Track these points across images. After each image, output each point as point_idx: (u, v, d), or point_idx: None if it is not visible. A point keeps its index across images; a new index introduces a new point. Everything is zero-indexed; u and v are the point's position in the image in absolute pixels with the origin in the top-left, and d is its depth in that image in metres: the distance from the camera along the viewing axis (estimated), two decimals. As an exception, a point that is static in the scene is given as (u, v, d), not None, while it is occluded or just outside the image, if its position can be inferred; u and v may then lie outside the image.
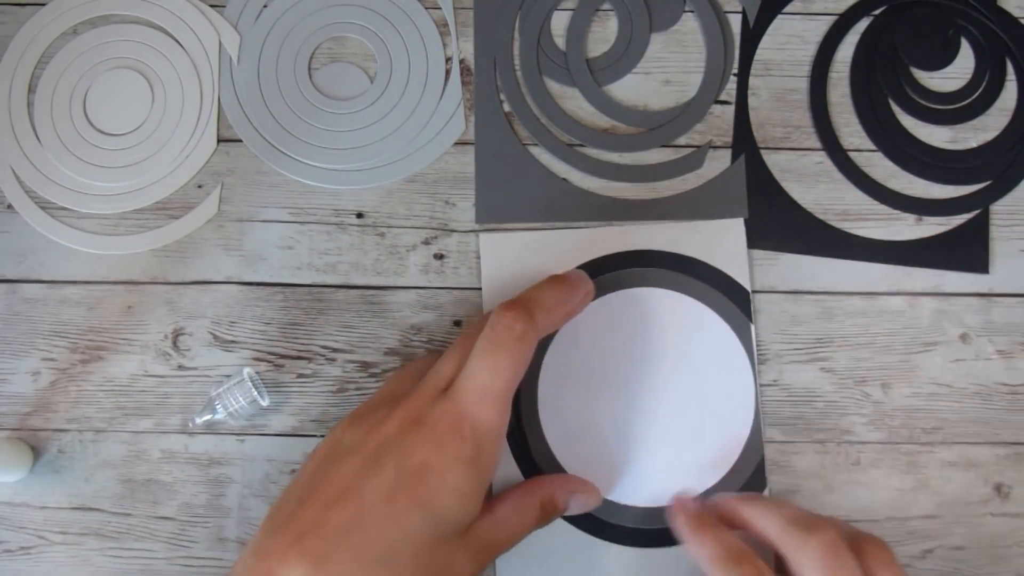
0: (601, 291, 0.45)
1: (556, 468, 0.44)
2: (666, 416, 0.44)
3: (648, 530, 0.43)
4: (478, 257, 0.47)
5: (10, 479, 0.44)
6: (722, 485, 0.44)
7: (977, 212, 0.48)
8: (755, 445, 0.44)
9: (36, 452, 0.45)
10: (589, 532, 0.43)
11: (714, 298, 0.45)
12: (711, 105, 0.49)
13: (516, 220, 0.47)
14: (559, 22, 0.50)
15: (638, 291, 0.46)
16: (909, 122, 0.49)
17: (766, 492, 0.44)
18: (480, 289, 0.46)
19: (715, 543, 0.38)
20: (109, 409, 0.45)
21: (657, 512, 0.43)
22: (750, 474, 0.44)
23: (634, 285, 0.46)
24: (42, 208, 0.47)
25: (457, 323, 0.46)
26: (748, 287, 0.45)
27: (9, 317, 0.46)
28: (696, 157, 0.48)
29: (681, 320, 0.45)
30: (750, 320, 0.45)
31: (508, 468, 0.44)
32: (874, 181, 0.48)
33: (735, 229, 0.46)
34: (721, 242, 0.46)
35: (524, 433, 0.44)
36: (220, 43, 0.49)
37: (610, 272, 0.46)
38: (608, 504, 0.44)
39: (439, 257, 0.47)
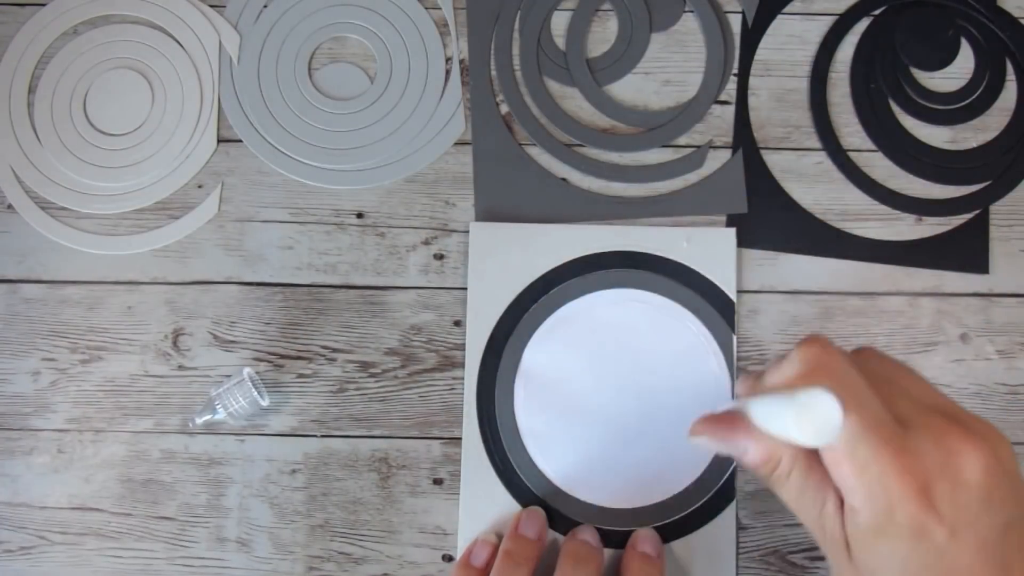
0: (587, 290, 0.45)
1: (529, 462, 0.44)
2: (639, 420, 0.44)
3: (611, 531, 0.43)
4: (478, 257, 0.47)
5: None
6: (688, 494, 0.44)
7: (977, 212, 0.48)
8: (728, 456, 0.44)
9: (35, 452, 0.45)
10: (555, 529, 0.44)
11: (699, 306, 0.45)
12: (711, 105, 0.49)
13: (516, 221, 0.47)
14: (559, 22, 0.49)
15: (624, 292, 0.45)
16: (909, 122, 0.49)
17: (732, 506, 0.44)
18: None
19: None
20: (109, 409, 0.45)
21: (623, 513, 0.43)
22: (719, 484, 0.44)
23: (620, 286, 0.45)
24: (42, 208, 0.47)
25: (457, 323, 0.46)
26: (734, 298, 0.45)
27: (9, 317, 0.46)
28: (696, 157, 0.48)
29: (664, 325, 0.45)
30: (733, 332, 0.45)
31: (485, 473, 0.44)
32: (874, 181, 0.48)
33: (726, 239, 0.46)
34: (712, 251, 0.46)
35: (498, 428, 0.44)
36: (220, 43, 0.49)
37: (598, 271, 0.46)
38: (576, 502, 0.44)
39: (439, 257, 0.47)
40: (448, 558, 0.44)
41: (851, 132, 0.48)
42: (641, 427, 0.44)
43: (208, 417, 0.43)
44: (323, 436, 0.45)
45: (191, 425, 0.44)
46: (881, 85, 0.49)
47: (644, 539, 0.42)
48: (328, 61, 0.49)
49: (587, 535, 0.42)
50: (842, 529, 0.30)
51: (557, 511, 0.44)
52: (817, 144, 0.48)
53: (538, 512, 0.43)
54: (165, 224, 0.47)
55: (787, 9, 0.50)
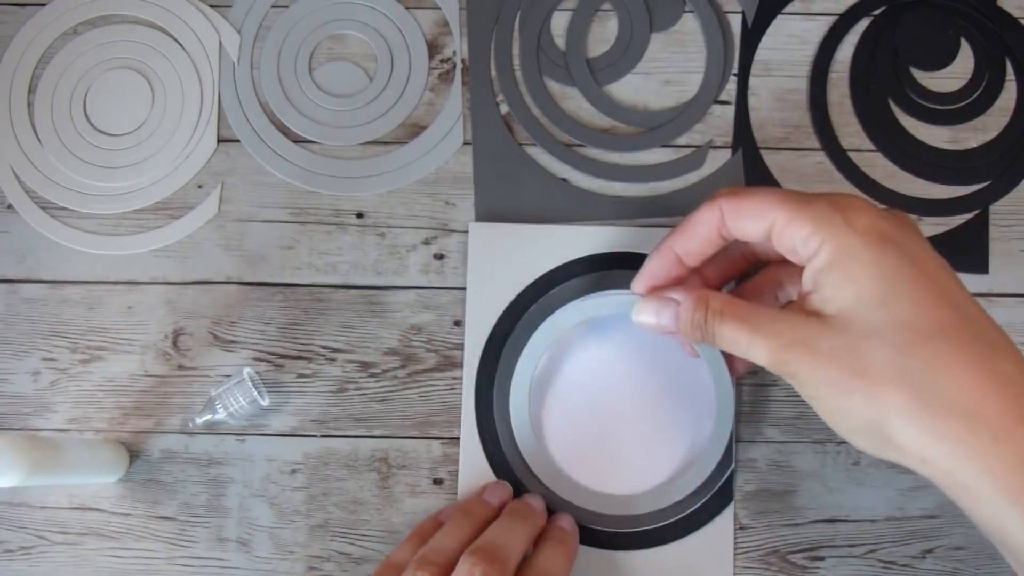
0: (587, 290, 0.45)
1: (527, 463, 0.44)
2: (638, 421, 0.44)
3: (615, 533, 0.43)
4: (478, 257, 0.47)
5: (109, 479, 0.44)
6: (689, 499, 0.43)
7: (977, 212, 0.48)
8: (727, 457, 0.44)
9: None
10: None
11: None
12: (711, 105, 0.49)
13: (516, 221, 0.47)
14: (559, 22, 0.50)
15: (623, 293, 0.45)
16: (909, 122, 0.49)
17: (730, 507, 0.44)
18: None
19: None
20: (109, 409, 0.45)
21: (623, 516, 0.43)
22: (719, 484, 0.44)
23: (620, 286, 0.45)
24: (42, 208, 0.47)
25: (457, 323, 0.46)
26: None
27: (9, 317, 0.46)
28: (696, 157, 0.48)
29: None
30: None
31: (483, 474, 0.44)
32: (874, 181, 0.48)
33: None
34: None
35: (496, 429, 0.44)
36: (220, 43, 0.49)
37: (599, 272, 0.46)
38: (574, 504, 0.44)
39: (439, 257, 0.47)
40: (448, 558, 0.44)
41: (851, 132, 0.48)
42: (640, 429, 0.44)
43: (208, 417, 0.43)
44: (323, 436, 0.45)
45: (191, 425, 0.44)
46: (881, 85, 0.49)
47: (562, 516, 0.42)
48: (327, 60, 0.49)
49: (564, 521, 0.42)
50: (807, 281, 0.35)
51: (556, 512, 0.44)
52: (817, 144, 0.48)
53: (504, 485, 0.43)
54: (165, 224, 0.47)
55: (787, 9, 0.50)
